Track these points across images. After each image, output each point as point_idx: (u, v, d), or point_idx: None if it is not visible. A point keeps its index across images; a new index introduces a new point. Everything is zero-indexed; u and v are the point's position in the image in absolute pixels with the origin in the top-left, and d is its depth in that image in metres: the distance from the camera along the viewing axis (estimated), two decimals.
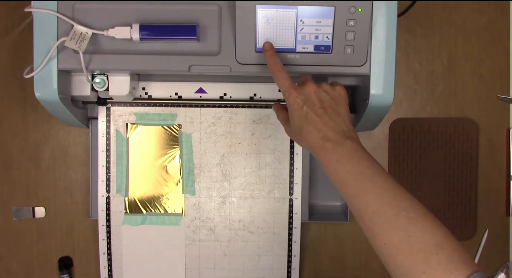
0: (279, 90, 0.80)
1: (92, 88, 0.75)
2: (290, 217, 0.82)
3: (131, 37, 0.67)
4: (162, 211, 0.82)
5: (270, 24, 0.65)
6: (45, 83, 0.69)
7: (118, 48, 0.68)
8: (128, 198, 0.82)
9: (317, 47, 0.66)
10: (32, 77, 0.68)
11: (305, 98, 0.61)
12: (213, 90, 0.81)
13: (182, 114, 0.81)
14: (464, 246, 0.50)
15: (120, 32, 0.67)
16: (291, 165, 0.82)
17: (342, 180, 0.56)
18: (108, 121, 0.81)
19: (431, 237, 0.50)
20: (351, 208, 0.56)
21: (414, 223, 0.51)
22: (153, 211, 0.82)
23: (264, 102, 0.81)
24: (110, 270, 0.83)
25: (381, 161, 0.87)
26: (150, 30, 0.67)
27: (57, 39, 0.67)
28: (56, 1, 0.67)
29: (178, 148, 0.82)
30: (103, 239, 0.82)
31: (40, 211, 0.87)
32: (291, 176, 0.82)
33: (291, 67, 0.68)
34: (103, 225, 0.82)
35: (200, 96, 0.81)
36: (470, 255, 0.49)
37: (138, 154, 0.81)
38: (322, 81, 0.63)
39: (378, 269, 0.88)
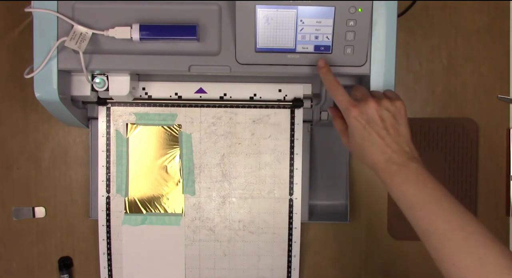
0: (279, 90, 0.80)
1: (92, 88, 0.75)
2: (290, 217, 0.82)
3: (131, 37, 0.67)
4: (162, 211, 0.82)
5: (270, 24, 0.65)
6: (45, 83, 0.69)
7: (118, 48, 0.68)
8: (128, 198, 0.82)
9: (317, 47, 0.66)
10: (32, 77, 0.68)
11: (366, 117, 0.60)
12: (213, 90, 0.81)
13: (182, 114, 0.81)
14: None
15: (120, 32, 0.67)
16: (291, 165, 0.82)
17: (409, 203, 0.58)
18: (108, 121, 0.81)
19: (503, 260, 0.52)
20: (417, 229, 0.57)
21: (484, 246, 0.53)
22: (153, 211, 0.82)
23: (264, 102, 0.81)
24: (110, 270, 0.83)
25: None
26: (150, 30, 0.67)
27: (57, 39, 0.67)
28: (56, 1, 0.67)
29: (178, 148, 0.82)
30: (103, 239, 0.82)
31: (40, 211, 0.87)
32: (291, 176, 0.82)
33: (291, 67, 0.68)
34: (103, 225, 0.82)
35: (200, 96, 0.81)
36: None
37: (138, 154, 0.81)
38: (379, 95, 0.63)
39: (378, 269, 0.88)
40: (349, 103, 0.61)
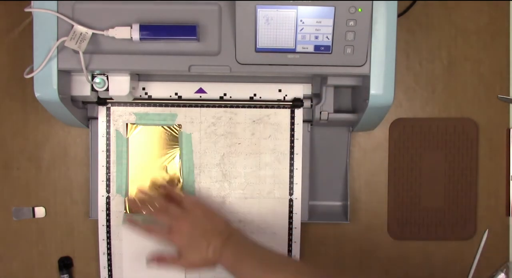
0: (279, 90, 0.80)
1: (92, 88, 0.75)
2: (290, 217, 0.82)
3: (131, 37, 0.67)
4: None
5: (270, 24, 0.65)
6: (45, 83, 0.69)
7: (118, 48, 0.68)
8: (128, 198, 0.82)
9: (317, 47, 0.66)
10: (32, 77, 0.68)
11: (186, 236, 0.73)
12: (213, 90, 0.81)
13: (182, 114, 0.81)
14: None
15: (120, 32, 0.67)
16: (291, 165, 0.82)
17: (234, 270, 0.70)
18: (108, 121, 0.81)
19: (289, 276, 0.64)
20: None
21: (277, 271, 0.65)
22: (153, 211, 0.82)
23: (264, 102, 0.81)
24: (110, 270, 0.83)
25: (381, 160, 0.87)
26: (150, 30, 0.67)
27: (57, 39, 0.67)
28: (56, 1, 0.67)
29: (178, 148, 0.82)
30: (103, 239, 0.82)
31: (40, 211, 0.87)
32: (291, 176, 0.82)
33: (291, 68, 0.68)
34: (103, 225, 0.82)
35: (200, 96, 0.81)
36: (316, 271, 0.65)
37: (138, 154, 0.81)
38: (182, 210, 0.75)
39: (378, 269, 0.88)
40: (167, 236, 0.74)
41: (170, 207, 0.76)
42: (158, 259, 0.76)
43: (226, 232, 0.73)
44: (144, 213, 0.78)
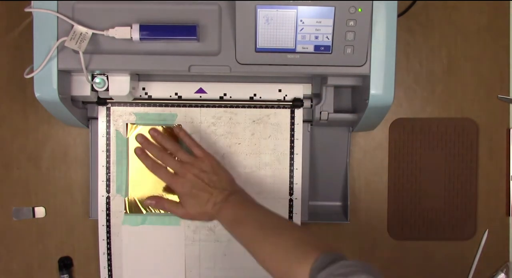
0: (279, 90, 0.80)
1: (92, 88, 0.75)
2: (290, 217, 0.82)
3: (131, 37, 0.67)
4: (162, 211, 0.82)
5: (270, 24, 0.65)
6: (45, 83, 0.69)
7: (118, 48, 0.68)
8: (128, 198, 0.82)
9: (317, 47, 0.66)
10: (32, 77, 0.68)
11: (189, 184, 0.72)
12: (213, 90, 0.81)
13: (182, 115, 0.81)
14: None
15: (120, 32, 0.67)
16: (291, 165, 0.82)
17: (230, 227, 0.70)
18: (108, 121, 0.81)
19: (290, 241, 0.63)
20: (243, 246, 0.67)
21: (276, 235, 0.64)
22: (153, 211, 0.82)
23: (264, 102, 0.81)
24: (110, 270, 0.83)
25: (381, 160, 0.87)
26: (150, 30, 0.67)
27: (57, 39, 0.67)
28: (56, 1, 0.67)
29: None
30: (103, 239, 0.82)
31: (40, 211, 0.87)
32: (291, 176, 0.82)
33: (291, 67, 0.68)
34: (103, 225, 0.82)
35: (200, 96, 0.81)
36: (322, 244, 0.60)
37: None
38: (190, 159, 0.74)
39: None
40: (171, 178, 0.73)
41: (180, 151, 0.75)
42: (156, 200, 0.76)
43: (229, 188, 0.73)
44: (151, 154, 0.75)
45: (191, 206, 0.72)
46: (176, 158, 0.75)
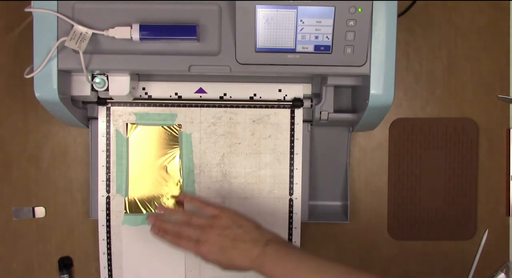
0: (279, 90, 0.80)
1: (92, 88, 0.75)
2: (290, 217, 0.82)
3: (131, 37, 0.67)
4: (162, 211, 0.82)
5: (270, 24, 0.65)
6: (45, 83, 0.69)
7: (118, 48, 0.68)
8: (128, 198, 0.82)
9: (317, 47, 0.66)
10: (32, 77, 0.68)
11: (215, 248, 0.68)
12: (213, 90, 0.81)
13: (182, 114, 0.81)
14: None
15: (120, 32, 0.67)
16: (291, 165, 0.82)
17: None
18: (108, 121, 0.81)
19: None
20: None
21: None
22: (153, 211, 0.82)
23: (264, 102, 0.81)
24: (110, 270, 0.83)
25: (381, 161, 0.87)
26: (150, 30, 0.67)
27: (57, 39, 0.67)
28: (56, 1, 0.67)
29: (178, 148, 0.82)
30: (103, 239, 0.82)
31: (40, 211, 0.87)
32: (291, 176, 0.82)
33: (291, 67, 0.68)
34: (103, 225, 0.82)
35: (200, 96, 0.81)
36: None
37: (138, 154, 0.81)
38: (206, 221, 0.70)
39: (378, 269, 0.88)
40: (196, 249, 0.69)
41: (194, 217, 0.72)
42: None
43: (260, 237, 0.68)
44: (169, 239, 0.72)
45: (224, 264, 0.69)
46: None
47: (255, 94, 0.81)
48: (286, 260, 0.65)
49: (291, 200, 0.82)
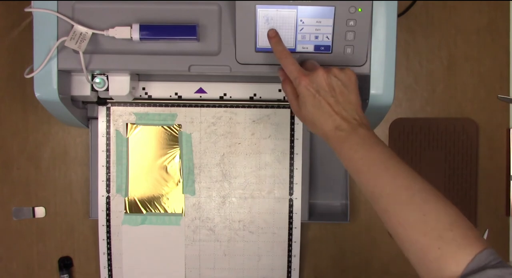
0: (280, 90, 0.80)
1: (92, 88, 0.75)
2: (290, 217, 0.82)
3: (131, 37, 0.67)
4: (162, 211, 0.82)
5: (270, 24, 0.65)
6: (45, 83, 0.69)
7: (118, 48, 0.68)
8: (128, 198, 0.82)
9: (317, 47, 0.66)
10: (32, 77, 0.68)
11: (316, 86, 0.60)
12: (213, 90, 0.81)
13: (182, 114, 0.81)
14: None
15: (120, 32, 0.67)
16: (291, 165, 0.82)
17: (357, 167, 0.58)
18: (108, 121, 0.81)
19: (445, 216, 0.52)
20: (366, 192, 0.57)
21: (428, 203, 0.53)
22: (153, 211, 0.82)
23: (264, 102, 0.81)
24: (110, 270, 0.83)
25: None
26: (150, 30, 0.67)
27: (57, 39, 0.67)
28: (56, 1, 0.67)
29: (178, 148, 0.82)
30: (103, 239, 0.82)
31: (40, 211, 0.87)
32: (291, 176, 0.82)
33: None
34: (103, 225, 0.82)
35: (200, 96, 0.81)
36: (480, 234, 0.51)
37: (138, 154, 0.81)
38: (331, 66, 0.62)
39: (378, 269, 0.88)
40: (299, 73, 0.61)
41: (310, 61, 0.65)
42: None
43: (357, 116, 0.61)
44: (280, 48, 0.64)
45: (307, 112, 0.61)
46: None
47: (255, 94, 0.81)
48: (370, 150, 0.58)
49: (291, 200, 0.82)
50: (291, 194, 0.82)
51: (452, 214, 0.53)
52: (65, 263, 0.87)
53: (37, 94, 0.69)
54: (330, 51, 0.66)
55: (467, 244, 0.50)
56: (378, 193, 0.56)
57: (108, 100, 0.80)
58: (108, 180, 0.82)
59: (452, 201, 0.87)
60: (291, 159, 0.82)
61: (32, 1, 0.68)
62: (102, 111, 0.81)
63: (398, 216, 0.54)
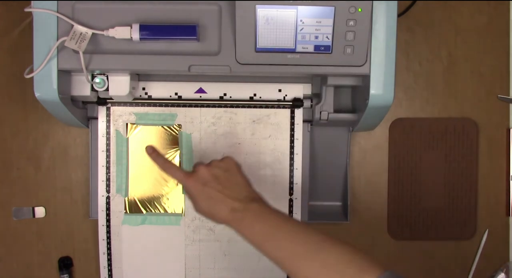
0: (279, 90, 0.80)
1: (92, 88, 0.75)
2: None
3: (131, 37, 0.67)
4: (162, 211, 0.82)
5: (270, 24, 0.65)
6: (45, 83, 0.69)
7: (118, 48, 0.68)
8: (128, 198, 0.82)
9: (317, 47, 0.66)
10: (32, 77, 0.68)
11: (202, 180, 0.66)
12: (213, 90, 0.81)
13: (182, 114, 0.81)
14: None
15: (120, 32, 0.67)
16: (291, 165, 0.82)
17: (259, 240, 0.62)
18: (108, 121, 0.81)
19: (342, 255, 0.58)
20: (274, 260, 0.61)
21: (324, 250, 0.59)
22: (153, 211, 0.82)
23: (264, 102, 0.81)
24: (110, 270, 0.83)
25: (381, 161, 0.87)
26: (150, 30, 0.67)
27: (57, 39, 0.67)
28: (56, 1, 0.67)
29: (178, 148, 0.82)
30: (103, 239, 0.82)
31: (40, 211, 0.87)
32: (291, 176, 0.82)
33: (291, 67, 0.68)
34: (103, 225, 0.82)
35: (200, 96, 0.81)
36: (378, 262, 0.57)
37: (138, 154, 0.81)
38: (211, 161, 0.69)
39: None
40: (184, 177, 0.67)
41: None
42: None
43: (248, 194, 0.66)
44: (160, 161, 0.69)
45: (202, 207, 0.66)
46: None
47: (255, 94, 0.81)
48: (265, 221, 0.63)
49: (291, 200, 0.82)
50: (291, 194, 0.82)
51: (349, 251, 0.59)
52: (65, 263, 0.87)
53: (37, 94, 0.69)
54: (330, 51, 0.66)
55: (368, 270, 0.55)
56: (282, 258, 0.60)
57: (108, 100, 0.80)
58: (108, 180, 0.82)
59: (452, 201, 0.88)
60: (291, 159, 0.82)
61: (32, 1, 0.68)
62: (102, 111, 0.81)
63: (304, 271, 0.58)
